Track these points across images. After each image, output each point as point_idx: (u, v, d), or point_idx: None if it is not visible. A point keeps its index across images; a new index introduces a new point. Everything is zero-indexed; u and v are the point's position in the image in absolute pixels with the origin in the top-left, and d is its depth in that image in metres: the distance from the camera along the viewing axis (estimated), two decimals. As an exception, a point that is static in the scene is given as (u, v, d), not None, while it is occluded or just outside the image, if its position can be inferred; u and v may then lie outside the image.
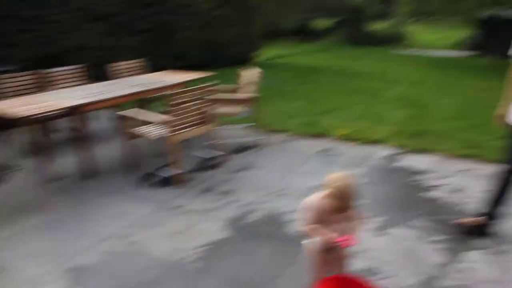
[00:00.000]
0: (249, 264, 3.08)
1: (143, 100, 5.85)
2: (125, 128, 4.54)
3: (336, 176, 2.41)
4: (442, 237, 3.46)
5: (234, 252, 3.23)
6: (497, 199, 3.46)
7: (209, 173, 4.73)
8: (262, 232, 3.51)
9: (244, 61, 14.12)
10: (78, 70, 6.44)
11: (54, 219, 3.76)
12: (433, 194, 4.28)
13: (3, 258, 3.19)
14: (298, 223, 2.52)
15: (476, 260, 3.15)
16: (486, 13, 17.34)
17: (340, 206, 2.34)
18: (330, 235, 2.39)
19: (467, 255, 3.21)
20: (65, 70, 6.31)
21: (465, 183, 4.55)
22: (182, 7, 11.73)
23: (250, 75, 5.65)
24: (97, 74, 9.34)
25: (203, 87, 4.46)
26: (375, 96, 8.91)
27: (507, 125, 3.50)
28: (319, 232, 2.43)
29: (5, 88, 5.54)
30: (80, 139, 4.56)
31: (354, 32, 26.14)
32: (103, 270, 3.04)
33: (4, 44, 7.56)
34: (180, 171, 4.34)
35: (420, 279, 2.92)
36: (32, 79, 5.90)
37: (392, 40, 27.73)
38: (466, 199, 4.16)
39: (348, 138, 5.92)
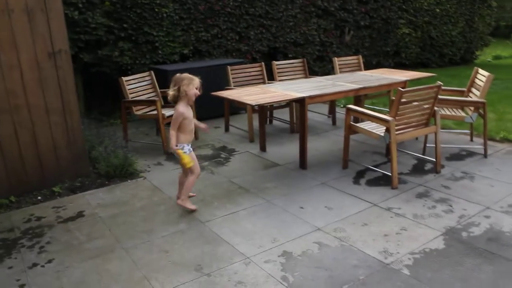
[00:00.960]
0: (466, 282, 2.84)
1: (360, 96, 5.87)
2: (349, 122, 4.62)
3: None
4: None
5: (449, 265, 3.02)
6: None
7: (426, 177, 4.52)
8: (484, 249, 3.20)
9: (465, 61, 13.10)
10: (299, 63, 6.79)
11: (267, 204, 4.03)
12: None
13: (222, 233, 3.54)
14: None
15: None
16: None
17: None
18: None
19: None
20: (287, 63, 6.73)
21: None
22: (403, 3, 11.37)
23: (479, 77, 5.20)
24: (315, 68, 9.80)
25: (430, 87, 4.26)
26: None
27: None
28: None
29: (236, 77, 6.19)
30: (299, 129, 4.81)
31: None
32: (313, 261, 3.12)
33: (235, 40, 8.42)
34: (396, 172, 4.24)
35: None
36: (258, 70, 6.44)
37: None
38: None
39: None
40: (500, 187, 4.24)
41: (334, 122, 6.61)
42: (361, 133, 4.64)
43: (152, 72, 6.09)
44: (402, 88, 4.26)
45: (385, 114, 4.36)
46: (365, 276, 2.92)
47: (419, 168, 4.76)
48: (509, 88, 9.07)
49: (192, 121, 3.77)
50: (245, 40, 8.56)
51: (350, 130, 4.61)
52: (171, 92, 3.69)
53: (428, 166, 4.79)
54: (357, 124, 4.64)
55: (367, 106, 6.85)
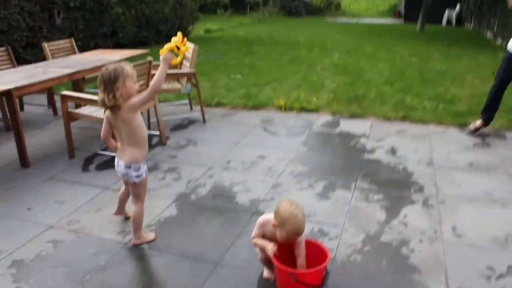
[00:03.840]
0: (199, 238, 3.11)
1: (78, 81, 5.66)
2: (66, 109, 4.38)
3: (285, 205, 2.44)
4: (381, 195, 3.67)
5: (184, 228, 3.25)
6: (489, 106, 5.05)
7: (154, 151, 4.70)
8: (211, 205, 3.55)
9: (180, 36, 13.86)
10: (3, 53, 6.05)
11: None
12: (371, 156, 4.51)
13: None
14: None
15: (410, 214, 3.39)
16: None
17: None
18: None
19: (403, 211, 3.44)
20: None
21: (400, 144, 4.81)
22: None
23: (188, 50, 5.60)
24: (27, 56, 8.93)
25: (143, 63, 4.38)
26: (313, 65, 9.10)
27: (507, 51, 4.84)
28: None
29: None
30: (15, 125, 4.37)
31: (288, 3, 26.28)
32: (50, 261, 2.92)
33: None
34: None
35: (364, 236, 3.10)
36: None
37: (327, 9, 28.26)
38: (401, 158, 4.42)
39: (288, 108, 6.05)
40: (219, 147, 4.74)
41: (55, 112, 6.20)
42: (83, 119, 4.50)
43: None
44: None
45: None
46: (106, 261, 2.89)
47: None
48: (219, 58, 10.09)
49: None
50: None
51: (70, 117, 4.41)
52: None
53: (155, 140, 5.00)
54: (76, 110, 4.47)
55: (89, 90, 6.66)
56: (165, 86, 5.37)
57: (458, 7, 19.54)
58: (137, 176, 2.91)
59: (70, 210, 3.55)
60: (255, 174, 4.09)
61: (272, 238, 2.60)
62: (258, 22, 20.66)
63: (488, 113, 5.11)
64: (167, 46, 2.89)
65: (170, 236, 3.14)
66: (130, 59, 5.72)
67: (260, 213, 3.36)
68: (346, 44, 12.59)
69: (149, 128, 5.28)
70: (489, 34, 14.35)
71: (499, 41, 12.71)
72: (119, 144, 2.98)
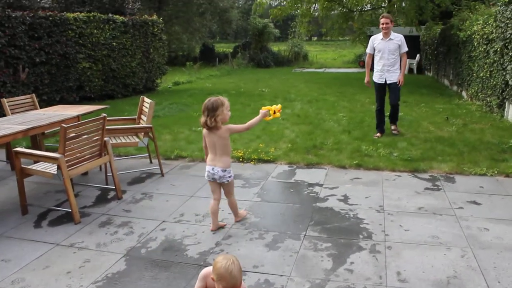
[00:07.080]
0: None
1: (36, 136, 5.68)
2: (19, 165, 4.38)
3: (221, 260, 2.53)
4: (329, 244, 3.74)
5: (130, 283, 3.23)
6: (379, 123, 7.41)
7: (108, 205, 4.69)
8: (160, 259, 3.55)
9: (148, 89, 14.09)
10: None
11: None
12: (324, 204, 4.60)
13: None
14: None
15: (357, 261, 3.46)
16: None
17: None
18: None
19: (350, 258, 3.51)
20: None
21: (353, 191, 4.94)
22: (79, 37, 11.49)
23: (146, 104, 5.72)
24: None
25: (97, 119, 4.46)
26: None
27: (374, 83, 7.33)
28: None
29: None
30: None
31: (257, 54, 27.03)
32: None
33: None
34: (75, 207, 4.26)
35: (309, 285, 3.14)
36: None
37: (294, 60, 29.20)
38: (353, 205, 4.53)
39: (246, 159, 6.16)
40: (174, 200, 4.77)
41: (13, 168, 6.16)
42: (37, 175, 4.50)
43: None
44: (76, 122, 4.33)
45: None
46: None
47: (102, 198, 4.91)
48: (183, 110, 10.24)
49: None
50: None
51: (24, 173, 4.41)
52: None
53: (111, 195, 5.00)
54: (30, 166, 4.47)
55: (49, 145, 6.67)
56: (123, 140, 5.44)
57: (418, 57, 20.53)
58: (229, 176, 3.94)
59: (16, 268, 3.49)
60: (207, 226, 4.13)
61: None
62: (227, 74, 21.15)
63: (381, 127, 7.39)
64: (268, 107, 4.12)
65: (116, 293, 3.12)
66: (93, 113, 5.81)
67: (208, 266, 3.38)
68: (310, 94, 12.97)
69: (106, 183, 5.30)
70: (446, 82, 15.02)
71: (454, 87, 13.31)
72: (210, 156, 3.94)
